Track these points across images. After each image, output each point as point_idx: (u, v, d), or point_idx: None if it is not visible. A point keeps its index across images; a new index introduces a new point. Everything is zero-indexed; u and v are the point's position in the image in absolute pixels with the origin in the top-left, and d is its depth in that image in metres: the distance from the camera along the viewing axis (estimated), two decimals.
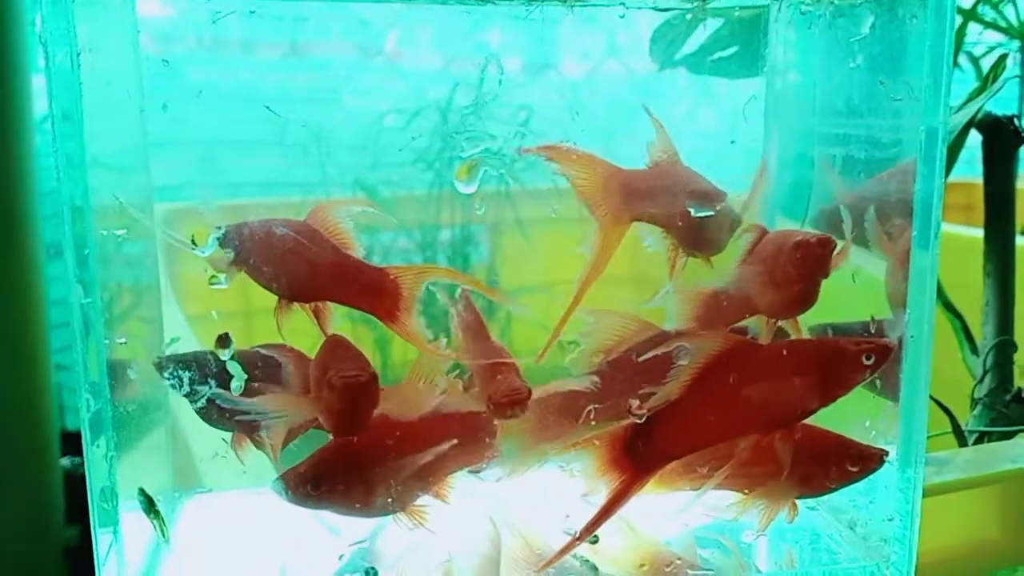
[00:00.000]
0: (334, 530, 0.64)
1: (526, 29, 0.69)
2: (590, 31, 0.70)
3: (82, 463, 0.92)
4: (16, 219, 0.98)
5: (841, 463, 0.62)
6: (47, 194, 1.10)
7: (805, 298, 0.62)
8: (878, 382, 0.62)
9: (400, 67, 0.77)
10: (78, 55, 0.48)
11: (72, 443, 1.11)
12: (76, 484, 1.05)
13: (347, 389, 0.56)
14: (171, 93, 0.60)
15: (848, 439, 0.63)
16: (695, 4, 0.68)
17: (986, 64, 1.16)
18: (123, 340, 0.56)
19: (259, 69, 0.73)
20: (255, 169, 0.75)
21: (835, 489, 0.64)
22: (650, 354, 0.59)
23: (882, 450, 0.63)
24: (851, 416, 0.64)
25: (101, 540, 0.54)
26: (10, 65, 0.97)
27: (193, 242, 0.57)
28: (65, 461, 1.08)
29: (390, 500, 0.60)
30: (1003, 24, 1.16)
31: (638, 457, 0.59)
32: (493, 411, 0.60)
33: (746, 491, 0.63)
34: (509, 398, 0.60)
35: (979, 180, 0.93)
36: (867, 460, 0.63)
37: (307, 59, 0.76)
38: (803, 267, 0.61)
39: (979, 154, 0.93)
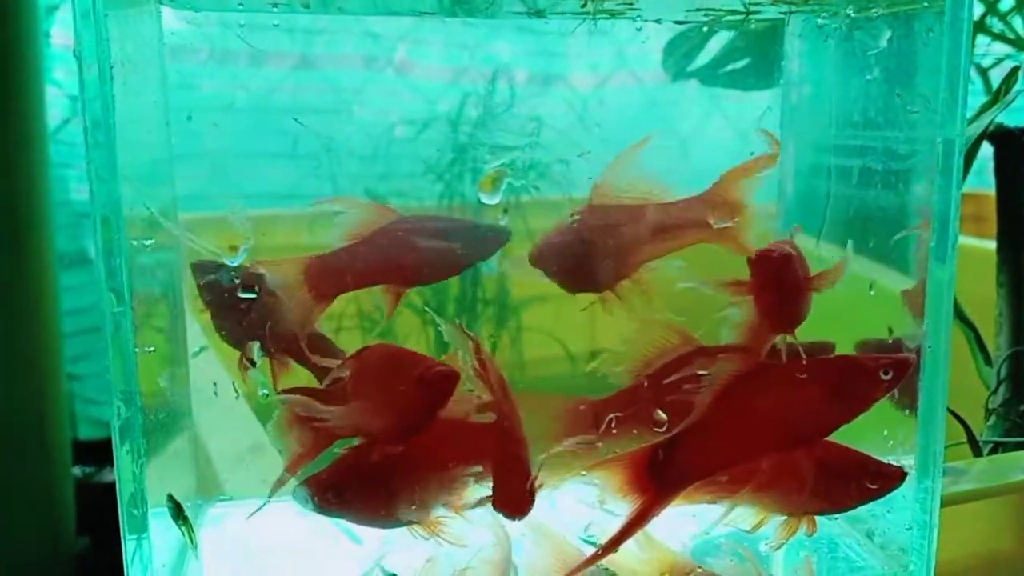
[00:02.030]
0: (356, 539, 0.64)
1: (539, 41, 0.70)
2: (603, 43, 0.70)
3: (94, 472, 0.92)
4: (29, 229, 0.99)
5: (861, 481, 0.62)
6: (60, 204, 1.10)
7: (783, 311, 0.62)
8: (895, 393, 0.62)
9: (411, 79, 0.77)
10: (111, 68, 0.49)
11: (84, 453, 1.11)
12: (88, 494, 1.06)
13: (442, 381, 0.56)
14: (192, 105, 0.61)
15: (868, 456, 0.63)
16: (712, 16, 0.68)
17: (994, 75, 1.17)
18: (151, 348, 0.56)
19: (271, 81, 0.74)
20: (268, 180, 0.76)
21: (854, 506, 0.64)
22: (676, 376, 0.59)
23: (901, 469, 0.63)
24: (869, 426, 0.64)
25: (129, 546, 0.55)
26: (24, 76, 0.97)
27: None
28: (77, 471, 1.08)
29: (413, 508, 0.60)
30: (1011, 36, 1.17)
31: (660, 478, 0.58)
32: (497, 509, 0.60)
33: (765, 506, 0.63)
34: (511, 509, 0.60)
35: (990, 191, 0.93)
36: (887, 478, 0.62)
37: (319, 71, 0.76)
38: (765, 280, 0.62)
39: (990, 165, 0.93)
